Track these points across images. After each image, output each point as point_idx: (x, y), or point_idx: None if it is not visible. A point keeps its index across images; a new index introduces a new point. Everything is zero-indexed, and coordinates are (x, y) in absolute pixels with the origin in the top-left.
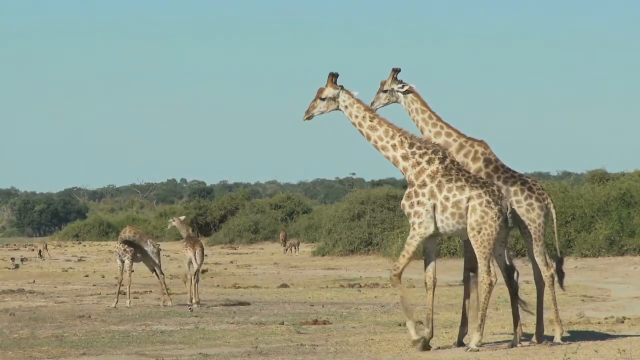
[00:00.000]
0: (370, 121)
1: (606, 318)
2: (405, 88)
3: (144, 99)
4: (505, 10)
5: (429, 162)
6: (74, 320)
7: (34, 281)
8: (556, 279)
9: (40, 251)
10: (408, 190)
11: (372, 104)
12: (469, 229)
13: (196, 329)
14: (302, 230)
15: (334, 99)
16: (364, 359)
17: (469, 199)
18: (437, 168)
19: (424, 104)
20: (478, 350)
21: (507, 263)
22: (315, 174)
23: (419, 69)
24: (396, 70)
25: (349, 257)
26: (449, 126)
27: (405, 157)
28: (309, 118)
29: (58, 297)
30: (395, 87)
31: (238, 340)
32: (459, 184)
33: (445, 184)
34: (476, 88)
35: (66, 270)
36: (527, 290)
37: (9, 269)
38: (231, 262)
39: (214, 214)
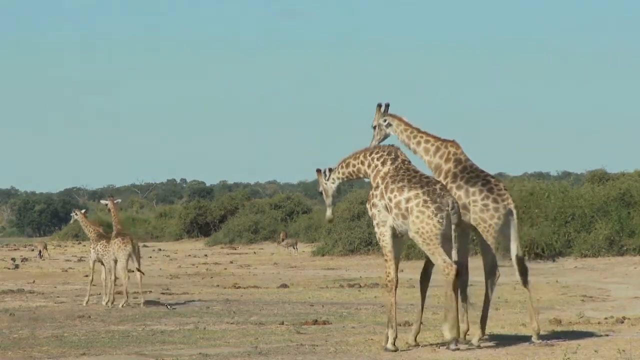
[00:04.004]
0: (345, 163)
1: (606, 318)
2: (387, 122)
3: (144, 99)
4: (506, 10)
5: (383, 163)
6: (74, 320)
7: (34, 281)
8: (520, 277)
9: (40, 251)
10: (369, 193)
11: (371, 143)
12: (409, 231)
13: (196, 329)
14: (302, 230)
15: (324, 187)
16: (364, 359)
17: (407, 200)
18: (388, 169)
19: (406, 124)
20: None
21: (457, 259)
22: (315, 174)
23: (425, 67)
24: (380, 106)
25: (349, 257)
26: (426, 134)
27: (368, 165)
28: (330, 219)
29: (58, 297)
30: (381, 122)
31: (238, 340)
32: (400, 184)
33: (390, 185)
34: (477, 88)
35: (66, 271)
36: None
37: (9, 269)
38: (231, 262)
39: (213, 214)
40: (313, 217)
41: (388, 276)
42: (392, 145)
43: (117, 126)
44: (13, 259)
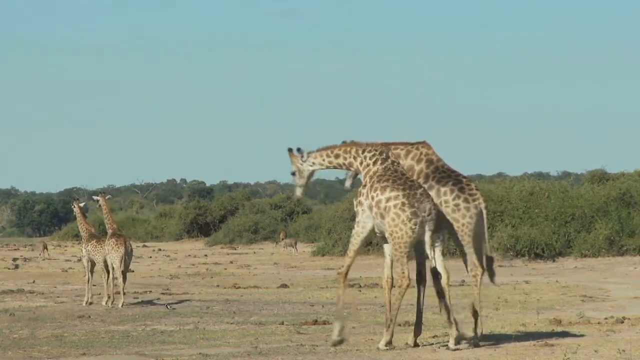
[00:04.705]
0: (332, 153)
1: (606, 318)
2: None
3: (144, 99)
4: (506, 10)
5: (374, 163)
6: (74, 320)
7: (34, 281)
8: (487, 277)
9: (40, 252)
10: (358, 190)
11: (345, 183)
12: (385, 231)
13: (196, 329)
14: (302, 230)
15: (299, 168)
16: (364, 359)
17: (387, 200)
18: (377, 169)
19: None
20: (387, 350)
21: (433, 265)
22: (315, 174)
23: (425, 67)
24: (345, 142)
25: None
26: (394, 143)
27: (361, 163)
28: (299, 198)
29: (58, 297)
30: None
31: (238, 340)
32: (384, 184)
33: (375, 184)
34: (476, 88)
35: (66, 271)
36: (527, 291)
37: (9, 269)
38: (231, 262)
39: (213, 214)
40: (313, 217)
41: (341, 269)
42: (384, 144)
43: (117, 126)
44: (15, 259)
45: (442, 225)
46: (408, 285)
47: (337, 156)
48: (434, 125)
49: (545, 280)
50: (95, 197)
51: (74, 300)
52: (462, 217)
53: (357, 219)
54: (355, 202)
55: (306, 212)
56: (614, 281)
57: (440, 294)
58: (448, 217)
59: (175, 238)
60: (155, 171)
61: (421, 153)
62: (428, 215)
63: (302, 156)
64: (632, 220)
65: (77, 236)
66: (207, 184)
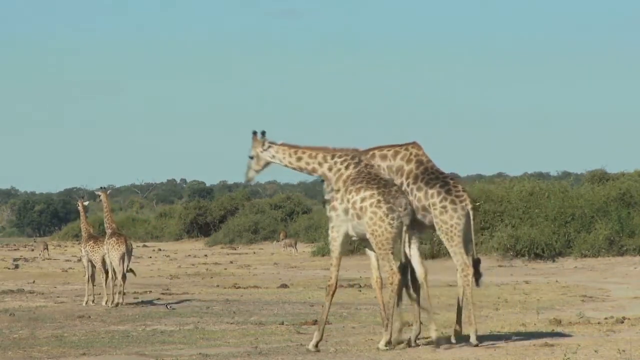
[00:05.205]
0: (295, 154)
1: (606, 318)
2: None
3: (144, 99)
4: (506, 10)
5: (347, 167)
6: (74, 320)
7: (34, 281)
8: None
9: (40, 252)
10: (331, 195)
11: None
12: (366, 232)
13: (196, 329)
14: (302, 230)
15: (259, 155)
16: (364, 359)
17: (362, 200)
18: (351, 173)
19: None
20: (387, 350)
21: (403, 260)
22: (266, 146)
23: (425, 67)
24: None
25: (349, 257)
26: (378, 148)
27: (330, 169)
28: (249, 180)
29: (58, 297)
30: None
31: (238, 340)
32: (358, 185)
33: (349, 187)
34: (476, 88)
35: (66, 271)
36: (527, 290)
37: (9, 269)
38: (231, 262)
39: (213, 214)
40: (313, 217)
41: (329, 280)
42: (356, 150)
43: (117, 126)
44: (17, 259)
45: (423, 224)
46: (400, 281)
47: (299, 159)
48: (434, 125)
49: (545, 280)
50: (96, 192)
51: (74, 300)
52: (450, 219)
53: (331, 225)
54: (327, 207)
55: (306, 212)
56: (614, 281)
57: (406, 287)
58: (437, 220)
59: (175, 238)
60: (155, 171)
61: (411, 153)
62: (404, 210)
63: (264, 144)
64: (632, 220)
65: (77, 236)
66: (207, 184)
